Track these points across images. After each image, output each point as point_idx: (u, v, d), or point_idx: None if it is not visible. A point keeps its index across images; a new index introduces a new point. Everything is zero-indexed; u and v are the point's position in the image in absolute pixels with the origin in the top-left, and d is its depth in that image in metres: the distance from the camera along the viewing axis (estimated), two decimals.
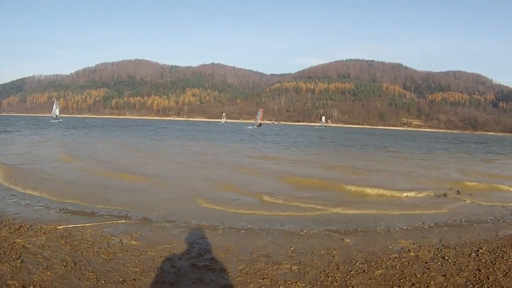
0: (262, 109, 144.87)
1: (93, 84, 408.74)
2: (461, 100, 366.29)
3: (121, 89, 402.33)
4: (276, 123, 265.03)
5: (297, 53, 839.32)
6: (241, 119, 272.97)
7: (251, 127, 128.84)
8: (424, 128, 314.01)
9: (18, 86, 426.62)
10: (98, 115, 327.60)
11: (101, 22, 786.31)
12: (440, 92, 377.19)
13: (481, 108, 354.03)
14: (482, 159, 37.66)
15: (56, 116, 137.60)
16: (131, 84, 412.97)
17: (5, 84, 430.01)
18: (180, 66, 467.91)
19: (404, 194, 15.83)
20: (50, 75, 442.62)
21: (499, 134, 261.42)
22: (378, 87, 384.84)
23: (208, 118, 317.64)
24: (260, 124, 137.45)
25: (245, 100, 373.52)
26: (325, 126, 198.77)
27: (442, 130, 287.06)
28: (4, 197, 12.38)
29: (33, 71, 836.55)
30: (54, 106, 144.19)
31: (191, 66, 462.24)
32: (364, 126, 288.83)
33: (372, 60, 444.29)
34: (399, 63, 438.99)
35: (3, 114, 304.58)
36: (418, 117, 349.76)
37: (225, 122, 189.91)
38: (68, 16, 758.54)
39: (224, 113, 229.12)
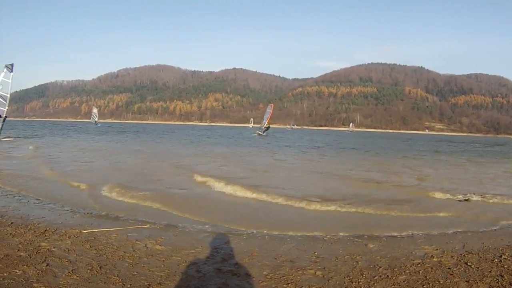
0: (272, 105, 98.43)
1: (115, 89, 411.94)
2: (484, 103, 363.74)
3: (143, 94, 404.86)
4: (292, 127, 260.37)
5: (318, 56, 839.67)
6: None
7: (255, 133, 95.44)
8: (447, 132, 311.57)
9: (40, 91, 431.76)
10: (120, 120, 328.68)
11: (123, 27, 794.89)
12: (463, 95, 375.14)
13: (504, 111, 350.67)
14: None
15: (95, 121, 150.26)
16: (154, 89, 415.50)
17: (28, 89, 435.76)
18: (202, 71, 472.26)
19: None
20: (72, 80, 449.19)
21: None
22: (400, 90, 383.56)
23: (231, 122, 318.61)
24: (268, 128, 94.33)
25: (267, 104, 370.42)
26: (351, 131, 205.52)
27: (465, 134, 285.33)
28: (28, 201, 12.53)
29: (55, 77, 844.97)
30: (95, 112, 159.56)
31: (213, 71, 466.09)
32: (386, 130, 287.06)
33: (394, 64, 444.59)
34: (421, 66, 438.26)
35: (26, 118, 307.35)
36: (440, 120, 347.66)
37: (253, 126, 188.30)
38: (90, 21, 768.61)
39: (251, 118, 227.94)
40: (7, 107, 37.78)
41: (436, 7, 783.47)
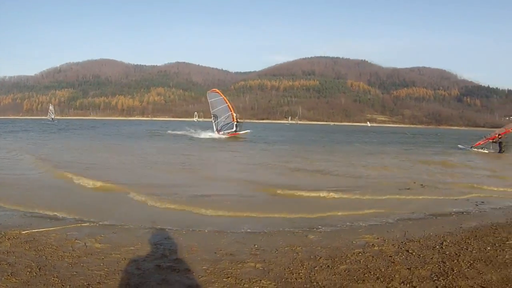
0: (216, 90, 65.87)
1: (58, 84, 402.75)
2: (426, 95, 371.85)
3: (86, 89, 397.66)
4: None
5: (262, 50, 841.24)
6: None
7: (222, 134, 59.13)
8: (389, 123, 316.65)
9: None
10: (62, 116, 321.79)
11: (66, 22, 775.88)
12: (405, 88, 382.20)
13: (446, 103, 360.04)
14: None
15: (52, 118, 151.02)
16: (96, 84, 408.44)
17: None
18: (145, 65, 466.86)
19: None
20: (14, 76, 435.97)
21: (464, 128, 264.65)
22: (343, 83, 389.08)
23: (173, 117, 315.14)
24: (239, 122, 59.91)
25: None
26: (290, 123, 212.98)
27: (407, 125, 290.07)
28: None
29: None
30: (51, 108, 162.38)
31: (156, 65, 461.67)
32: (328, 123, 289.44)
33: (337, 57, 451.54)
34: (364, 60, 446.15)
35: None
36: (382, 113, 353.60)
37: (198, 120, 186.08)
38: (32, 15, 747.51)
39: (196, 112, 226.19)
40: None
41: (379, 3, 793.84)
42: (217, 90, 65.61)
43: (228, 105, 59.71)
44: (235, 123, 58.86)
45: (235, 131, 58.66)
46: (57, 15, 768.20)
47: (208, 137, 57.78)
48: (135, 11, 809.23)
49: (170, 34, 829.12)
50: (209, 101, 62.97)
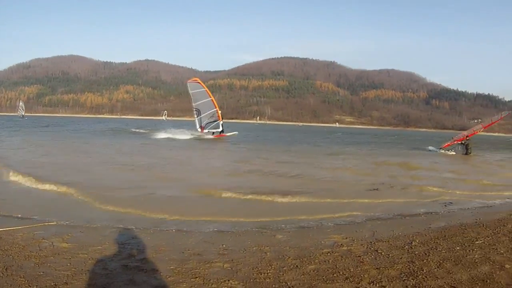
0: (195, 79, 56.73)
1: (27, 80, 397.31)
2: (394, 97, 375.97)
3: (55, 86, 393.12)
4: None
5: (231, 50, 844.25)
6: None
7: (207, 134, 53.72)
8: (357, 124, 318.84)
9: None
10: (31, 113, 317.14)
11: (36, 16, 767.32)
12: (374, 90, 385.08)
13: (414, 105, 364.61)
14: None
15: (22, 115, 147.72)
16: (65, 81, 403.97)
17: None
18: (114, 62, 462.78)
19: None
20: None
21: (432, 130, 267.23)
22: (312, 84, 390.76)
23: (142, 115, 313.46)
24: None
25: (178, 97, 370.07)
26: (259, 123, 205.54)
27: (375, 127, 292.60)
28: None
29: None
30: (21, 104, 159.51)
31: (126, 62, 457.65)
32: (297, 123, 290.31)
33: (306, 58, 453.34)
34: (333, 61, 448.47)
35: None
36: (351, 114, 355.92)
37: (166, 119, 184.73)
38: (0, 10, 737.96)
39: (165, 111, 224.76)
40: None
41: (348, 5, 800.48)
42: (199, 80, 56.54)
43: (212, 99, 54.02)
44: (221, 122, 53.74)
45: (222, 131, 53.60)
46: (26, 10, 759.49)
47: (166, 137, 50.64)
48: (104, 7, 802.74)
49: (138, 31, 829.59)
50: (190, 92, 55.08)
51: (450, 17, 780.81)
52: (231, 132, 55.19)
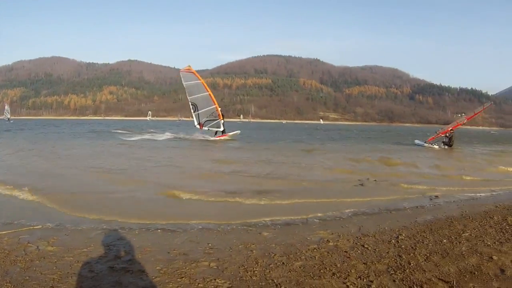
0: (189, 68, 49.24)
1: (10, 83, 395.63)
2: (378, 93, 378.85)
3: (38, 88, 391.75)
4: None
5: (214, 49, 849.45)
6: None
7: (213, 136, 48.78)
8: (341, 121, 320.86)
9: None
10: (15, 116, 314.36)
11: (19, 18, 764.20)
12: (357, 86, 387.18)
13: (398, 101, 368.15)
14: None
15: (8, 118, 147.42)
16: (48, 83, 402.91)
17: None
18: (97, 63, 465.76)
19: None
20: None
21: (416, 125, 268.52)
22: (295, 81, 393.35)
23: (126, 116, 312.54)
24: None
25: (162, 97, 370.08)
26: (243, 122, 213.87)
27: (359, 123, 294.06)
28: None
29: None
30: (7, 108, 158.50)
31: (109, 63, 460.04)
32: (281, 121, 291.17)
33: (289, 56, 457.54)
34: (316, 58, 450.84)
35: None
36: (335, 110, 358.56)
37: (151, 119, 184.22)
38: None
39: (149, 111, 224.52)
40: None
41: (331, 3, 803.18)
42: (192, 70, 49.75)
43: (209, 93, 48.93)
44: (223, 121, 48.47)
45: (224, 131, 48.36)
46: (8, 12, 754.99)
47: (145, 138, 47.41)
48: (86, 8, 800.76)
49: (121, 32, 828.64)
50: (184, 83, 49.10)
51: (432, 16, 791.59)
52: (233, 132, 49.88)
